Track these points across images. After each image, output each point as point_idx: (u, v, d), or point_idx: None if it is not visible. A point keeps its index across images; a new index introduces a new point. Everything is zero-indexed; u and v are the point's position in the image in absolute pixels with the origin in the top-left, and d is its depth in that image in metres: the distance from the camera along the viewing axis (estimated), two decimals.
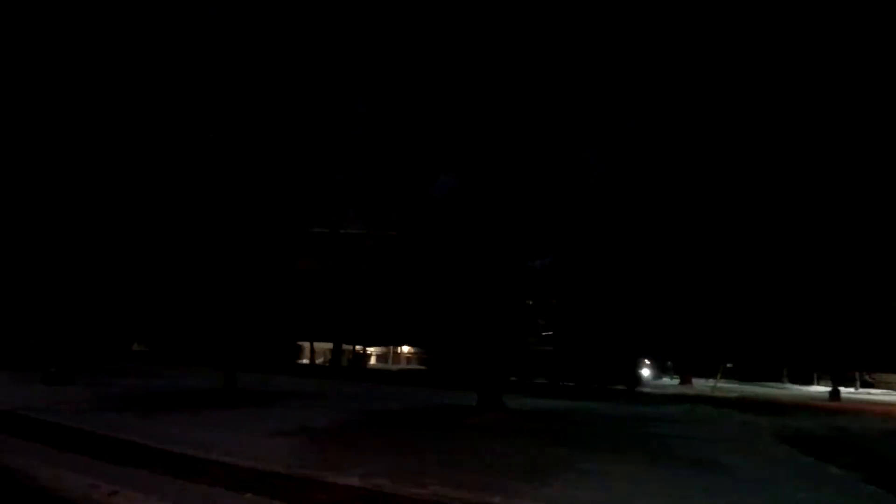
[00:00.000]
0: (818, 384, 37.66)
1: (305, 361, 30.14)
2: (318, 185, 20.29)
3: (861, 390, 36.92)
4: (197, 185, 19.52)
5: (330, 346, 35.44)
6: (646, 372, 31.93)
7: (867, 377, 39.92)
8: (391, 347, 39.68)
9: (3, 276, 26.63)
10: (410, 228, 17.05)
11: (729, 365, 29.22)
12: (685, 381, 28.58)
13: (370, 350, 35.57)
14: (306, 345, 36.35)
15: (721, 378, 27.11)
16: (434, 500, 7.79)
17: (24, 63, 20.81)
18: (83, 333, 27.35)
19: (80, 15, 19.79)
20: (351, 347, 35.09)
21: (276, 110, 18.30)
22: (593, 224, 15.71)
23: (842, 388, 31.40)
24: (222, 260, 19.23)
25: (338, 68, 17.36)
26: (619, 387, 23.93)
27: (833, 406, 21.78)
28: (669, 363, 30.62)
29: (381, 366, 27.20)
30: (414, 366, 26.33)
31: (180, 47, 19.42)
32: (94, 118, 21.12)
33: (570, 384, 23.79)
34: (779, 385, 34.50)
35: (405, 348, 27.69)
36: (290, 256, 24.54)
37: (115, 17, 19.70)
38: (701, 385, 27.35)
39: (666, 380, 29.48)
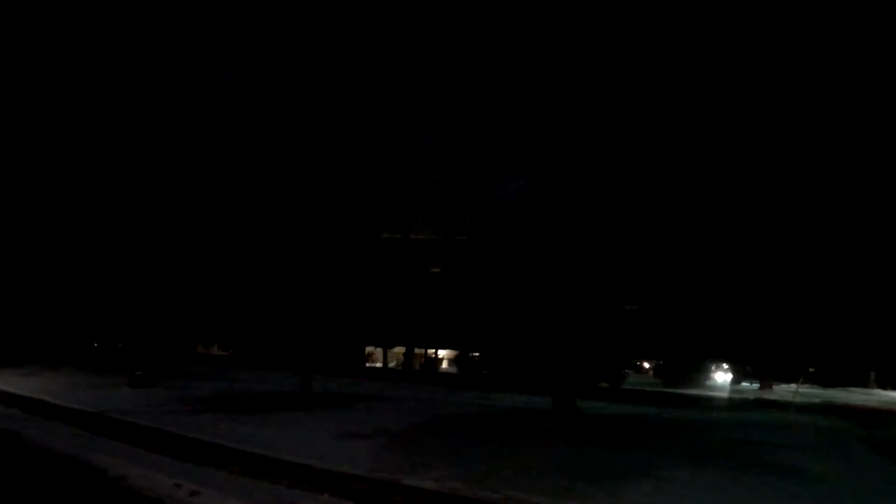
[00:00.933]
0: None
1: (378, 365, 30.43)
2: (390, 191, 20.51)
3: None
4: (275, 195, 19.97)
5: (402, 349, 35.77)
6: (724, 377, 31.21)
7: None
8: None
9: (93, 286, 27.75)
10: (480, 233, 17.04)
11: (811, 369, 28.30)
12: (765, 385, 27.78)
13: (441, 353, 35.75)
14: (379, 350, 36.82)
15: (803, 383, 26.25)
16: None
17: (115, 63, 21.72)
18: (167, 338, 28.28)
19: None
20: (423, 351, 35.33)
21: (349, 119, 18.58)
22: (671, 225, 15.41)
23: None
24: (298, 266, 19.60)
25: (408, 75, 17.50)
26: (698, 392, 23.40)
27: None
28: (749, 368, 29.83)
29: (452, 369, 27.27)
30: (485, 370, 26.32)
31: (270, 55, 19.94)
32: (178, 126, 21.86)
33: (648, 389, 23.37)
34: (865, 390, 33.28)
35: (477, 353, 27.76)
36: (362, 262, 24.84)
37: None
38: (782, 390, 26.57)
39: (745, 385, 28.69)
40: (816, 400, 22.12)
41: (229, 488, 8.50)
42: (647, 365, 30.68)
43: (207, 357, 30.36)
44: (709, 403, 19.77)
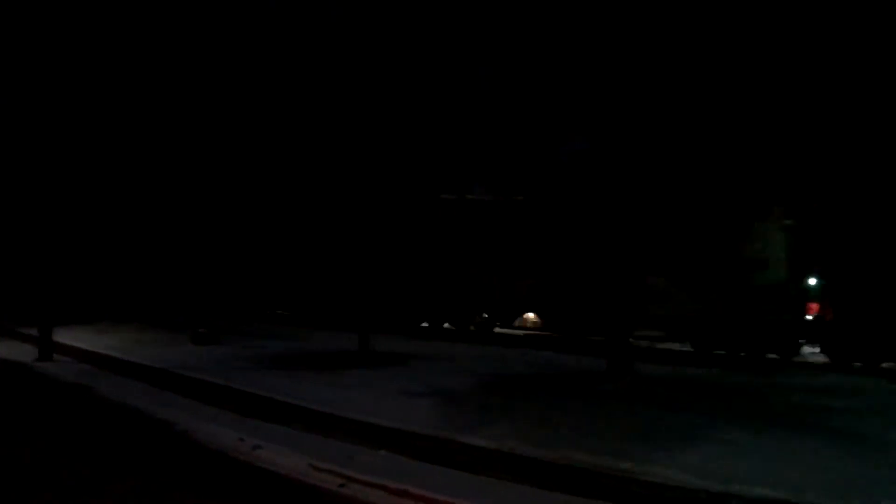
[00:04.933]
0: None
1: (424, 325, 30.56)
2: (447, 151, 20.44)
3: None
4: (335, 157, 20.11)
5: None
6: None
7: None
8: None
9: (160, 245, 28.54)
10: (539, 193, 16.92)
11: None
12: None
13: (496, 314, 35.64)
14: None
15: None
16: (566, 463, 7.80)
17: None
18: (230, 297, 28.92)
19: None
20: (479, 312, 35.31)
21: (406, 76, 18.52)
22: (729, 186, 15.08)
23: None
24: (357, 228, 19.78)
25: (465, 31, 17.32)
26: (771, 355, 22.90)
27: None
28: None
29: (508, 330, 27.30)
30: (541, 331, 26.22)
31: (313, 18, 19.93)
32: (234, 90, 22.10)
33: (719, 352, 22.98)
34: None
35: (531, 314, 27.62)
36: (419, 222, 24.93)
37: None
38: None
39: (807, 349, 28.04)
40: (885, 364, 21.51)
41: (290, 443, 8.74)
42: None
43: (269, 317, 30.92)
44: (769, 366, 19.42)
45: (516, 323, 27.07)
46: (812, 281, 18.61)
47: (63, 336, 19.21)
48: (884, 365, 18.01)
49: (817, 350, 19.56)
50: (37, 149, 21.70)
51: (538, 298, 24.03)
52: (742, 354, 20.01)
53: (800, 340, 19.50)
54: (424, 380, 13.39)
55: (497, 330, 26.78)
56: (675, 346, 24.03)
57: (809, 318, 19.04)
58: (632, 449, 8.21)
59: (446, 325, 27.77)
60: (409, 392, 11.90)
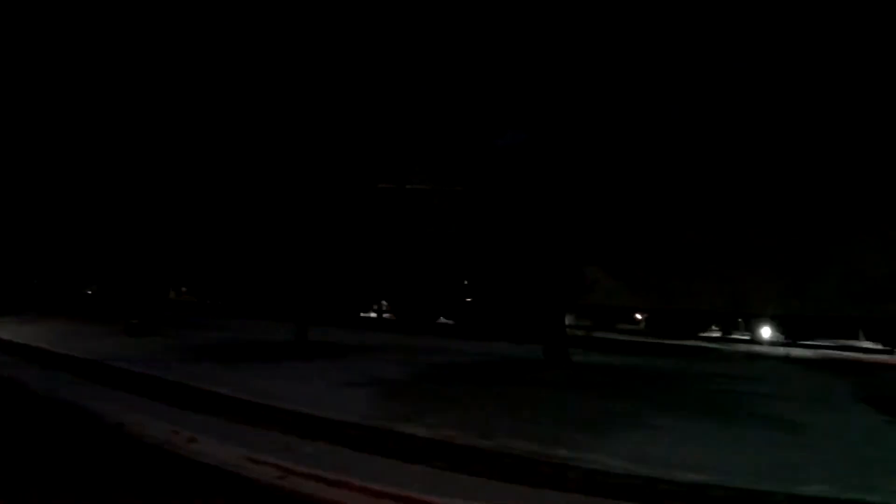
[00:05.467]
0: None
1: (373, 315, 30.54)
2: (385, 140, 20.34)
3: None
4: (265, 139, 19.81)
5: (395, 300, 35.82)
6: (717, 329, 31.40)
7: None
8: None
9: (85, 233, 27.72)
10: (477, 183, 16.99)
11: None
12: (756, 337, 28.00)
13: (434, 305, 35.74)
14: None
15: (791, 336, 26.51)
16: (502, 451, 7.89)
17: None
18: (161, 287, 28.34)
19: None
20: (418, 301, 35.39)
21: (343, 64, 18.35)
22: (671, 178, 15.34)
23: None
24: (294, 216, 19.57)
25: (402, 19, 17.23)
26: (691, 343, 23.60)
27: None
28: (739, 320, 30.00)
29: (446, 320, 27.49)
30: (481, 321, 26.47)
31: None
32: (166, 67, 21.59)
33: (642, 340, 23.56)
34: (854, 343, 33.54)
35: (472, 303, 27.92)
36: (357, 211, 24.80)
37: None
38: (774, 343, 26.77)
39: (735, 336, 28.94)
40: (808, 353, 22.37)
41: (227, 435, 8.66)
42: (639, 316, 30.85)
43: (205, 307, 30.46)
44: (702, 355, 19.99)
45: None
46: None
47: None
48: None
49: None
50: None
51: (473, 289, 24.27)
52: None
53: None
54: (364, 370, 13.38)
55: (438, 320, 26.94)
56: (611, 335, 24.57)
57: None
58: (567, 436, 8.36)
59: (386, 315, 27.79)
60: (348, 382, 11.87)
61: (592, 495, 6.67)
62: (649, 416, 9.88)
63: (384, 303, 30.45)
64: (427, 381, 12.70)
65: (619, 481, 6.99)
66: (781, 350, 22.83)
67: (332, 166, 20.00)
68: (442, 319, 27.21)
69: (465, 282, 24.79)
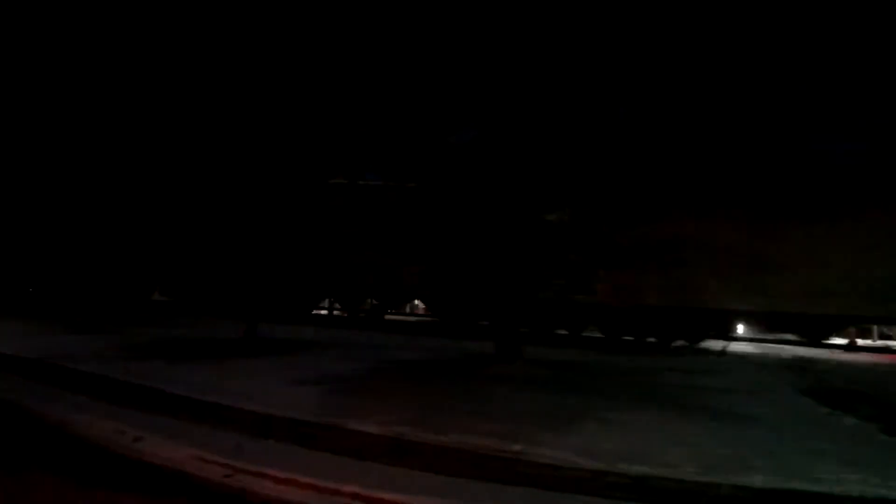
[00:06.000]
0: (835, 338, 37.60)
1: (324, 312, 30.34)
2: (339, 136, 20.18)
3: (879, 342, 36.84)
4: (218, 135, 19.50)
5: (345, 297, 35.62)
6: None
7: (885, 329, 39.80)
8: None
9: (30, 230, 26.96)
10: (429, 179, 16.94)
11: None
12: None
13: (386, 301, 35.71)
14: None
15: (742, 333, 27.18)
16: (455, 447, 7.88)
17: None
18: (107, 284, 27.69)
19: None
20: (369, 298, 35.34)
21: (296, 59, 18.15)
22: (615, 176, 15.46)
23: (859, 341, 31.43)
24: (241, 210, 19.30)
25: (357, 15, 17.10)
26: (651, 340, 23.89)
27: (850, 359, 21.68)
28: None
29: (399, 317, 27.42)
30: (432, 317, 26.49)
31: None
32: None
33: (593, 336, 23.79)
34: (793, 338, 34.38)
35: (418, 301, 27.82)
36: (309, 207, 24.58)
37: None
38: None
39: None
40: (747, 347, 22.89)
41: (174, 434, 8.49)
42: None
43: (151, 304, 29.91)
44: (651, 350, 20.28)
45: (406, 309, 27.24)
46: None
47: None
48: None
49: None
50: None
51: (426, 285, 24.24)
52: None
53: None
54: (314, 366, 13.27)
55: (388, 317, 26.88)
56: (563, 331, 24.77)
57: None
58: (519, 431, 8.39)
59: (336, 311, 27.64)
60: (298, 379, 11.75)
61: (544, 489, 6.70)
62: (600, 410, 9.98)
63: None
64: (379, 377, 12.65)
65: (569, 475, 7.04)
66: (720, 345, 23.33)
67: (284, 162, 19.77)
68: (390, 316, 27.14)
69: (418, 279, 24.76)
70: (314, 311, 29.38)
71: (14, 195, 26.56)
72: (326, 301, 32.44)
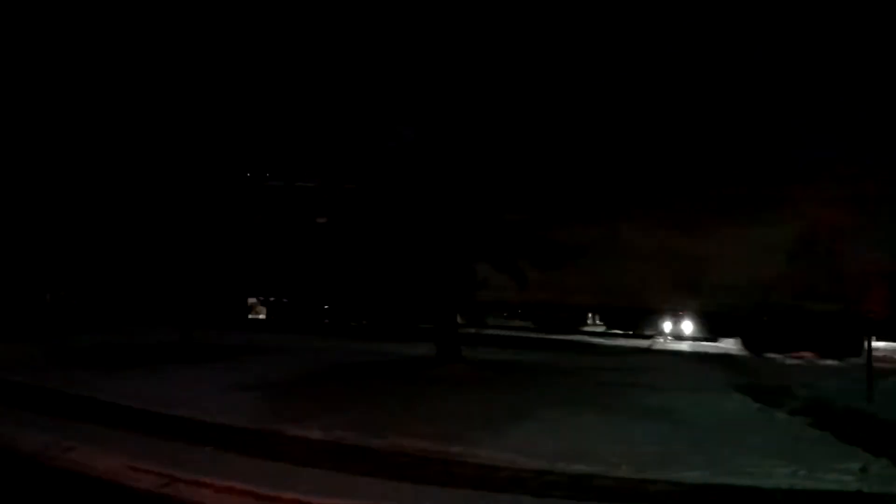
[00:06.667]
0: None
1: (262, 317, 29.92)
2: (275, 137, 19.92)
3: None
4: (148, 136, 19.06)
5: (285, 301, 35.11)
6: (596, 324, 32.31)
7: None
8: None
9: None
10: (368, 181, 16.85)
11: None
12: (638, 332, 28.96)
13: (327, 305, 35.30)
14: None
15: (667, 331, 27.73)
16: (394, 450, 7.89)
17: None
18: (34, 291, 26.79)
19: None
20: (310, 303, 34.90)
21: (229, 57, 17.88)
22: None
23: None
24: (174, 213, 18.95)
25: (292, 14, 16.91)
26: (575, 338, 24.27)
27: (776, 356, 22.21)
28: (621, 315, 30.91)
29: (337, 321, 27.23)
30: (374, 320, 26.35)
31: None
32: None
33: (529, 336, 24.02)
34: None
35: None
36: (245, 210, 24.26)
37: None
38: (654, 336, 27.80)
39: (618, 331, 29.90)
40: (684, 346, 23.38)
41: (108, 443, 8.29)
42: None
43: (82, 309, 29.03)
44: (586, 350, 20.58)
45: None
46: None
47: None
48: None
49: None
50: None
51: (363, 288, 24.16)
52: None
53: None
54: (251, 372, 13.11)
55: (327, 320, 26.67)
56: (503, 332, 24.95)
57: None
58: (460, 432, 8.45)
59: (274, 316, 27.33)
60: (235, 385, 11.59)
61: (483, 490, 6.75)
62: (539, 410, 10.10)
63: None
64: (318, 382, 12.57)
65: (507, 475, 7.12)
66: (646, 343, 23.85)
67: (218, 163, 19.49)
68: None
69: (356, 282, 24.65)
70: (249, 316, 28.96)
71: None
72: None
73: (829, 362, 18.60)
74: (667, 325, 24.70)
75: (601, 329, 28.45)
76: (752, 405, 11.47)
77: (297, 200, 24.61)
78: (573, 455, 7.58)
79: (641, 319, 25.34)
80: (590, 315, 29.08)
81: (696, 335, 24.03)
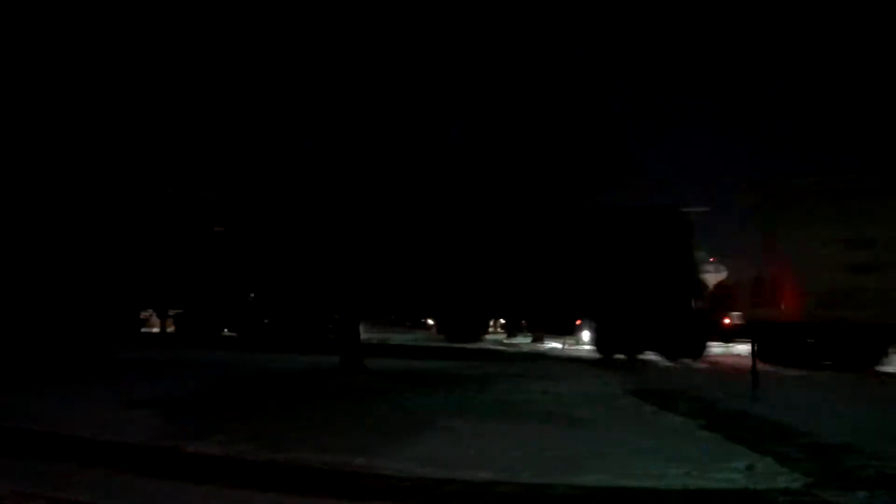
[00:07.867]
0: None
1: (155, 330, 28.95)
2: (170, 144, 19.34)
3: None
4: (28, 143, 18.18)
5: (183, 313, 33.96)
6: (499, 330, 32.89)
7: None
8: None
9: None
10: (269, 189, 16.58)
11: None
12: (537, 339, 29.65)
13: (230, 317, 34.35)
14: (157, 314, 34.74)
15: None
16: (296, 464, 7.80)
17: None
18: None
19: None
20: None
21: (118, 65, 17.28)
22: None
23: None
24: (59, 226, 18.17)
25: (186, 24, 16.51)
26: (479, 346, 24.58)
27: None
28: (523, 322, 31.63)
29: (236, 333, 26.63)
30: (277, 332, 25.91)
31: None
32: None
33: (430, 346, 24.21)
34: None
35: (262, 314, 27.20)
36: (137, 219, 23.49)
37: None
38: (554, 343, 28.41)
39: (520, 338, 30.51)
40: (583, 351, 23.97)
41: None
42: (430, 321, 31.72)
43: None
44: (489, 357, 20.85)
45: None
46: None
47: None
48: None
49: None
50: None
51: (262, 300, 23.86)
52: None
53: None
54: (148, 388, 12.68)
55: (228, 333, 26.11)
56: (408, 342, 25.03)
57: None
58: (362, 444, 8.42)
59: (169, 329, 26.55)
60: (130, 402, 11.17)
61: (387, 501, 6.74)
62: (443, 419, 10.16)
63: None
64: (217, 397, 12.28)
65: (410, 485, 7.13)
66: (545, 347, 24.44)
67: (110, 170, 18.78)
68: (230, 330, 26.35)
69: (253, 293, 24.23)
70: (143, 329, 28.00)
71: None
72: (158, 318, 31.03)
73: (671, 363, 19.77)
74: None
75: (503, 336, 28.87)
76: (646, 408, 11.89)
77: (192, 210, 23.98)
78: (476, 462, 7.67)
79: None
80: (491, 322, 29.58)
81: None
